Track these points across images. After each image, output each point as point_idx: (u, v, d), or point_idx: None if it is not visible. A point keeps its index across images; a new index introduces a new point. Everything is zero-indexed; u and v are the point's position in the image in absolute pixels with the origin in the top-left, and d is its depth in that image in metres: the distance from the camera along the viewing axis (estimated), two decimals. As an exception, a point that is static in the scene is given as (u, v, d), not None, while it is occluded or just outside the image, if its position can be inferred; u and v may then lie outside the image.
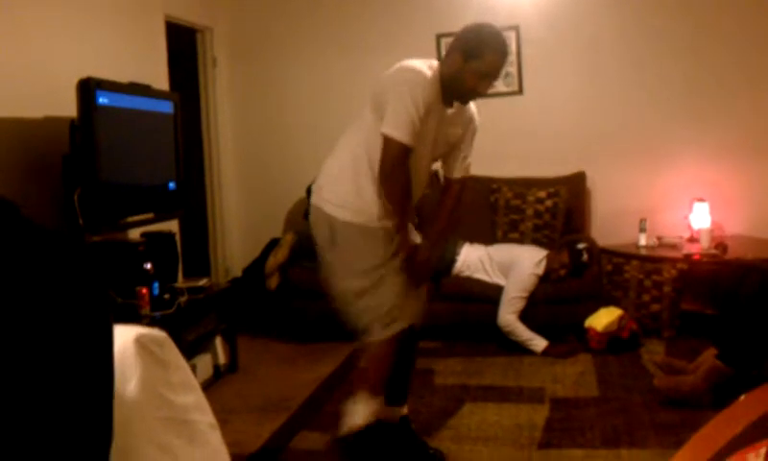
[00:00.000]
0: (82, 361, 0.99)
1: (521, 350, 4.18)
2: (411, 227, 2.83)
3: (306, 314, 4.64)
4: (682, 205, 4.81)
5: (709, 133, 4.88)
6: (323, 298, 4.39)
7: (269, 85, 5.56)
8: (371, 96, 2.71)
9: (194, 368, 3.57)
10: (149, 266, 3.57)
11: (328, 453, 2.86)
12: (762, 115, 4.80)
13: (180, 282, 4.02)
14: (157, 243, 3.86)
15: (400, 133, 2.53)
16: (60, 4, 3.69)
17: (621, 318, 4.16)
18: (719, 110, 4.86)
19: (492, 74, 2.65)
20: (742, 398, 0.96)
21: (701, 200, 4.67)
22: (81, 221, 3.22)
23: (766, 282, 3.31)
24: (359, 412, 2.69)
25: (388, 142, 2.55)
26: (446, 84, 2.64)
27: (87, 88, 3.23)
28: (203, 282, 3.99)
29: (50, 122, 3.44)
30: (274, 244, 4.97)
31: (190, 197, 4.50)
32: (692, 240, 4.65)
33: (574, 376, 3.79)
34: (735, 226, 4.83)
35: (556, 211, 4.72)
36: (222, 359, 4.03)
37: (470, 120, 2.83)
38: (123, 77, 3.64)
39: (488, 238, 4.72)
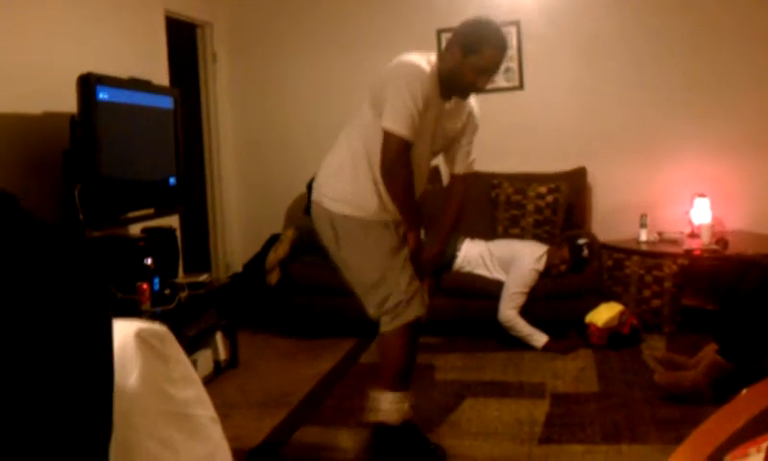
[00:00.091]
0: (80, 353, 0.99)
1: (522, 345, 4.18)
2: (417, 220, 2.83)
3: (307, 309, 4.65)
4: (682, 200, 4.80)
5: (710, 128, 4.87)
6: (323, 293, 4.45)
7: (269, 81, 5.56)
8: (369, 91, 2.71)
9: (194, 363, 3.56)
10: (149, 261, 3.57)
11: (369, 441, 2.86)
12: (763, 111, 4.78)
13: (181, 278, 4.02)
14: (158, 238, 3.86)
15: (400, 127, 2.53)
16: (60, 0, 3.69)
17: (622, 313, 4.16)
18: (720, 106, 4.85)
19: (491, 69, 2.65)
20: (743, 392, 0.96)
21: (702, 195, 4.66)
22: (81, 216, 3.22)
23: (767, 278, 3.31)
24: (388, 409, 2.72)
25: (388, 137, 2.55)
26: (445, 78, 2.64)
27: (88, 84, 3.23)
28: (203, 278, 3.99)
29: (50, 117, 3.44)
30: (274, 239, 4.97)
31: (190, 192, 4.50)
32: (693, 236, 4.64)
33: (575, 372, 3.79)
34: (736, 221, 4.82)
35: (556, 207, 4.72)
36: (222, 355, 4.04)
37: (470, 115, 2.83)
38: (123, 72, 3.64)
39: (488, 234, 4.72)
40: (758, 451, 0.98)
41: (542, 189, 4.75)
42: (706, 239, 4.42)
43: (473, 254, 4.47)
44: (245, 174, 5.65)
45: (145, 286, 3.45)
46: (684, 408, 3.18)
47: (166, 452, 1.41)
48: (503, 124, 4.87)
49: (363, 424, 2.94)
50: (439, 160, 3.00)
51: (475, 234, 4.60)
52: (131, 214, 3.66)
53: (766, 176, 4.81)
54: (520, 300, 4.22)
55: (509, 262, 4.35)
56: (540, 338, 4.16)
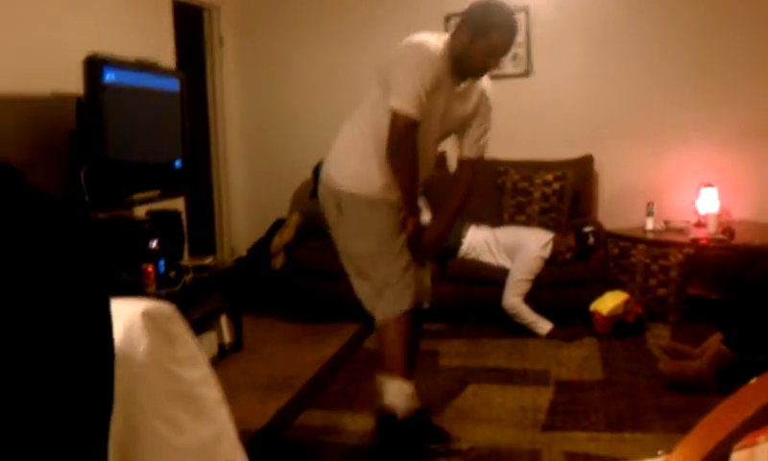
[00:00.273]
0: (79, 327, 0.99)
1: (526, 332, 4.18)
2: (419, 205, 2.82)
3: (311, 294, 4.65)
4: (689, 189, 4.78)
5: (718, 117, 4.84)
6: (328, 278, 4.44)
7: (276, 65, 5.54)
8: (377, 71, 2.70)
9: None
10: (154, 244, 3.57)
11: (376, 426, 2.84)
12: (771, 101, 4.76)
13: (186, 261, 4.03)
14: (163, 221, 3.86)
15: (407, 107, 2.52)
16: (66, -21, 3.68)
17: (627, 302, 4.16)
18: (728, 95, 4.82)
19: (502, 50, 2.63)
20: (753, 381, 0.95)
21: (709, 185, 4.64)
22: (87, 198, 3.23)
23: (774, 268, 3.30)
24: (397, 396, 2.69)
25: (395, 116, 2.54)
26: (456, 60, 2.62)
27: (94, 65, 3.22)
28: (208, 261, 3.99)
29: (57, 99, 3.43)
30: (279, 224, 4.97)
31: (196, 175, 4.50)
32: (699, 225, 4.62)
33: (579, 360, 3.79)
34: (743, 211, 4.80)
35: (563, 194, 4.70)
36: (227, 338, 4.05)
37: (483, 97, 2.80)
38: (130, 55, 3.63)
39: (494, 221, 4.71)
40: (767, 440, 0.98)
41: (549, 176, 4.73)
42: (712, 229, 4.41)
43: (479, 241, 4.47)
44: (251, 158, 5.64)
45: (150, 268, 3.45)
46: (688, 397, 3.18)
47: (172, 432, 1.41)
48: (510, 110, 4.83)
49: (368, 408, 2.93)
50: (445, 146, 2.98)
51: (481, 221, 4.59)
52: (136, 196, 3.66)
53: (774, 166, 4.79)
54: (525, 287, 4.22)
55: (514, 249, 4.34)
56: (544, 325, 4.16)
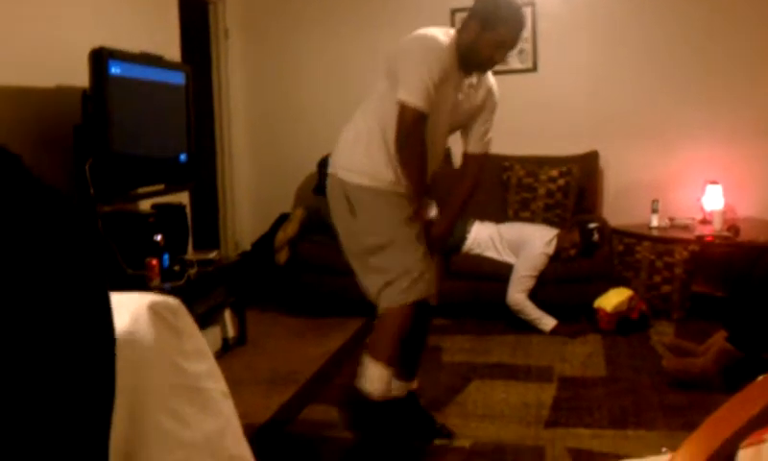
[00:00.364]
0: (76, 314, 0.98)
1: (530, 328, 4.18)
2: (427, 200, 2.81)
3: (315, 289, 4.65)
4: (694, 186, 4.77)
5: (723, 114, 4.83)
6: (332, 273, 4.44)
7: (281, 58, 5.53)
8: (385, 63, 2.69)
9: (203, 340, 3.58)
10: (159, 237, 3.57)
11: (342, 407, 2.83)
12: (777, 98, 4.74)
13: (190, 255, 4.03)
14: (168, 215, 3.87)
15: (415, 99, 2.51)
16: (72, -28, 3.67)
17: (631, 299, 4.15)
18: (733, 92, 4.80)
19: (509, 43, 2.63)
20: (760, 379, 0.95)
21: (714, 182, 4.63)
22: (92, 191, 3.23)
23: (779, 266, 3.29)
24: (373, 382, 2.67)
25: (403, 109, 2.53)
26: (463, 53, 2.62)
27: (100, 58, 3.22)
28: (212, 255, 4.00)
29: (62, 92, 3.43)
30: (283, 219, 4.98)
31: (201, 169, 4.50)
32: (704, 222, 4.62)
33: (582, 356, 3.79)
34: (748, 208, 4.79)
35: (568, 190, 4.69)
36: (231, 332, 4.05)
37: (489, 93, 2.80)
38: (135, 48, 3.62)
39: (499, 216, 4.70)
40: (774, 438, 0.97)
41: (554, 172, 4.73)
42: (717, 226, 4.40)
43: (483, 237, 4.46)
44: (255, 152, 5.64)
45: (154, 262, 3.46)
46: (691, 395, 3.18)
47: (177, 425, 1.41)
48: (516, 106, 4.83)
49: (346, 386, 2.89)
50: (450, 142, 2.98)
51: (485, 217, 4.59)
52: (141, 190, 3.66)
53: (779, 163, 4.77)
54: (530, 283, 4.21)
55: (519, 245, 4.34)
56: (548, 322, 4.16)
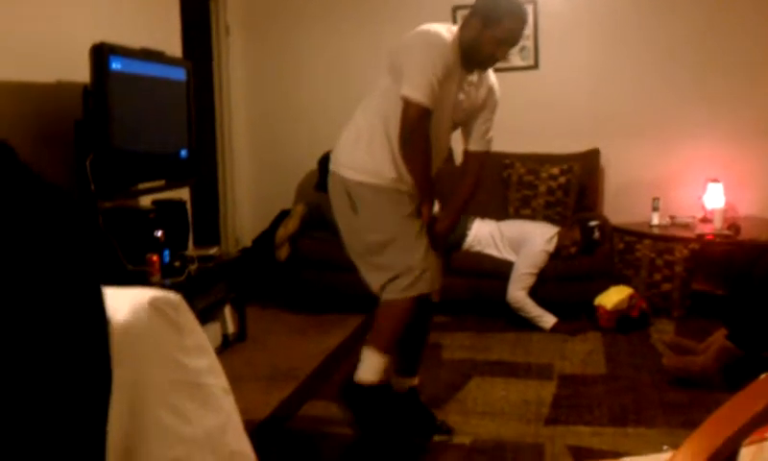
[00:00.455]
0: (65, 303, 0.98)
1: (530, 326, 4.18)
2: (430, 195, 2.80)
3: (315, 285, 4.65)
4: (695, 184, 4.77)
5: (724, 113, 4.82)
6: (332, 269, 4.45)
7: (282, 54, 5.52)
8: (387, 59, 2.69)
9: (203, 336, 3.58)
10: (159, 233, 3.57)
11: (341, 394, 2.84)
12: (778, 96, 4.74)
13: (191, 251, 4.03)
14: (168, 211, 3.86)
15: (419, 95, 2.51)
16: (73, -33, 3.67)
17: (631, 297, 4.15)
18: (734, 91, 4.80)
19: (511, 41, 2.63)
20: (762, 377, 0.95)
21: (715, 180, 4.63)
22: (93, 187, 3.22)
23: (780, 264, 3.29)
24: (370, 367, 2.68)
25: (407, 105, 2.53)
26: (466, 49, 2.62)
27: (101, 53, 3.22)
28: (213, 251, 4.00)
29: (63, 87, 3.43)
30: (284, 215, 4.97)
31: (201, 165, 4.50)
32: (705, 220, 4.62)
33: (583, 354, 3.79)
34: (749, 207, 4.79)
35: (568, 188, 4.69)
36: (231, 328, 4.05)
37: (490, 92, 2.80)
38: (136, 43, 3.62)
39: (499, 214, 4.70)
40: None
41: (555, 170, 4.72)
42: (718, 224, 4.40)
43: (483, 234, 4.46)
44: (256, 148, 5.64)
45: (155, 258, 3.46)
46: (691, 393, 3.18)
47: (177, 421, 1.41)
48: (517, 103, 4.83)
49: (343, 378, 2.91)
50: (452, 140, 2.97)
51: (486, 214, 4.58)
52: (141, 186, 3.66)
53: (780, 162, 4.77)
54: (530, 281, 4.21)
55: (519, 243, 4.34)
56: (548, 319, 4.16)
